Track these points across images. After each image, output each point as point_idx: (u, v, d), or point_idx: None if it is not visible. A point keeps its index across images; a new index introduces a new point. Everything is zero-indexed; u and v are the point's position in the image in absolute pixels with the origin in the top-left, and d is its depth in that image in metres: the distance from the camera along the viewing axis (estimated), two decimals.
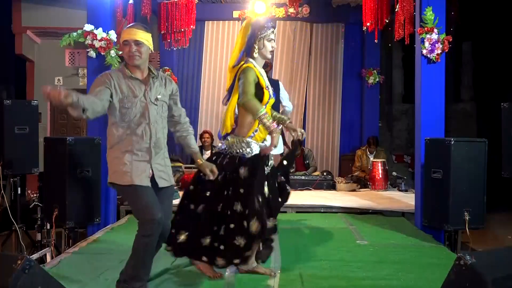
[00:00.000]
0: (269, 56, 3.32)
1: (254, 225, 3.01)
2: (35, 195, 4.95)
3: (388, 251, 4.16)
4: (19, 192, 4.98)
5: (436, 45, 4.81)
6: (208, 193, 3.18)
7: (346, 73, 8.69)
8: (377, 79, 8.36)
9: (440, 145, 4.62)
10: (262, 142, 3.27)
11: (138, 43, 2.86)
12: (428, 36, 4.82)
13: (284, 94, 5.88)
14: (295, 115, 8.51)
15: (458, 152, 4.48)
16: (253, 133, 3.22)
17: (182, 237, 3.16)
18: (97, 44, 5.04)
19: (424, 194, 4.83)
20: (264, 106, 3.18)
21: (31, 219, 4.90)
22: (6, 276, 2.11)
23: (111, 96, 2.85)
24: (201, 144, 7.68)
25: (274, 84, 5.44)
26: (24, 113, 4.89)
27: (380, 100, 8.96)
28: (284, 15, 8.07)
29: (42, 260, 4.28)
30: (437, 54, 4.85)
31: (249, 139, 3.20)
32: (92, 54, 5.10)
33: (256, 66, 3.24)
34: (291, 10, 7.94)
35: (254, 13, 7.78)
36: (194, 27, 6.75)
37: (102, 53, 5.09)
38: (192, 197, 3.23)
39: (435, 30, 4.80)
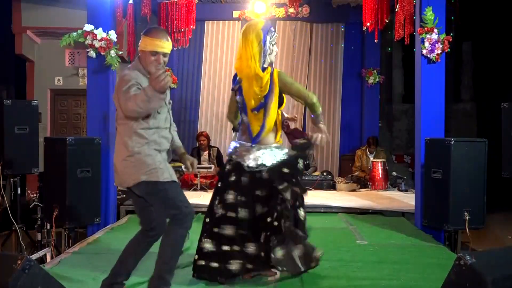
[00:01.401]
0: (274, 59, 3.35)
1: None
2: (35, 195, 4.95)
3: (388, 251, 4.16)
4: (19, 192, 4.98)
5: (436, 45, 4.81)
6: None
7: (346, 73, 8.69)
8: (377, 79, 8.36)
9: (440, 145, 4.62)
10: None
11: (166, 55, 2.88)
12: (428, 36, 4.82)
13: None
14: (295, 115, 8.49)
15: (458, 152, 4.48)
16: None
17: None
18: (97, 44, 5.04)
19: (424, 194, 4.83)
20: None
21: (31, 219, 4.90)
22: (6, 276, 2.11)
23: None
24: (197, 146, 7.66)
25: None
26: (24, 113, 4.89)
27: (380, 100, 8.96)
28: (284, 15, 8.07)
29: (42, 260, 4.27)
30: (437, 54, 4.85)
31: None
32: (92, 54, 5.10)
33: None
34: (291, 10, 7.94)
35: (254, 13, 7.79)
36: (194, 27, 6.75)
37: (102, 53, 5.08)
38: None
39: (435, 30, 4.80)
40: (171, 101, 3.05)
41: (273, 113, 3.20)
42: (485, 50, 9.64)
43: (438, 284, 2.51)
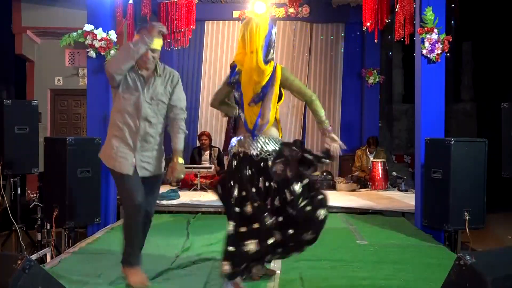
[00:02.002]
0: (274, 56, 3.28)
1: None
2: (35, 195, 4.95)
3: (388, 251, 4.16)
4: (19, 192, 4.98)
5: (436, 45, 4.81)
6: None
7: (346, 73, 8.69)
8: (377, 79, 8.36)
9: (440, 145, 4.62)
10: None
11: (154, 51, 3.09)
12: (428, 36, 4.82)
13: None
14: (295, 115, 8.51)
15: (458, 152, 4.48)
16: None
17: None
18: (97, 44, 5.04)
19: (424, 194, 4.83)
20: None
21: (31, 219, 4.90)
22: (6, 276, 2.11)
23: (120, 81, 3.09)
24: (199, 145, 7.67)
25: None
26: (24, 113, 4.89)
27: (380, 100, 8.96)
28: (284, 15, 8.07)
29: (42, 260, 4.27)
30: (437, 54, 4.85)
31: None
32: (92, 54, 5.10)
33: None
34: (291, 10, 7.94)
35: (254, 13, 7.78)
36: (194, 27, 6.74)
37: (102, 53, 5.09)
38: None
39: (435, 30, 4.80)
40: (162, 101, 3.17)
41: (272, 106, 3.12)
42: (485, 50, 9.63)
43: (438, 284, 2.51)
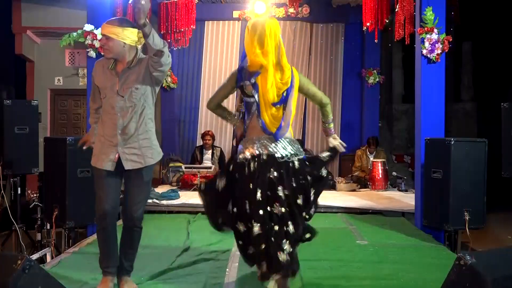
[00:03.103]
0: None
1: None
2: (35, 195, 4.95)
3: (388, 251, 4.16)
4: (19, 192, 4.98)
5: (436, 45, 4.81)
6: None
7: (346, 73, 8.69)
8: (377, 79, 8.36)
9: (440, 145, 4.62)
10: None
11: (106, 37, 2.97)
12: (428, 36, 4.82)
13: None
14: (295, 115, 8.50)
15: (458, 152, 4.48)
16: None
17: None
18: (97, 44, 5.04)
19: (424, 194, 4.83)
20: None
21: (31, 219, 4.90)
22: (6, 276, 2.11)
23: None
24: (201, 144, 7.69)
25: None
26: (24, 113, 4.89)
27: (380, 100, 8.95)
28: (284, 15, 8.07)
29: (42, 260, 4.28)
30: (437, 54, 4.85)
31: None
32: (92, 54, 5.10)
33: None
34: (291, 10, 7.94)
35: (254, 13, 7.78)
36: (194, 27, 6.75)
37: (102, 53, 5.08)
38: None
39: (435, 30, 4.80)
40: (138, 87, 3.01)
41: (293, 109, 3.15)
42: (485, 50, 9.63)
43: (438, 284, 2.51)
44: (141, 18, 2.64)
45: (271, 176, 2.96)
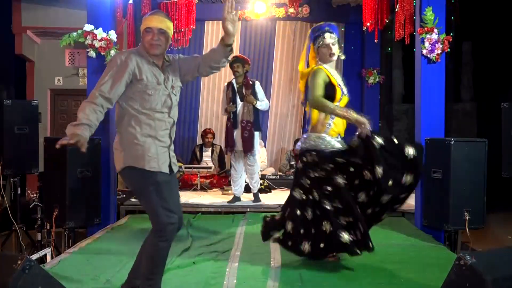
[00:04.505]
0: (331, 60, 3.68)
1: None
2: (35, 195, 4.95)
3: (388, 251, 4.16)
4: (19, 192, 4.99)
5: (436, 45, 4.81)
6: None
7: (346, 73, 8.66)
8: (377, 79, 8.35)
9: (440, 145, 4.62)
10: (337, 137, 3.72)
11: (162, 31, 2.77)
12: (428, 36, 4.82)
13: (260, 93, 5.86)
14: (295, 115, 8.52)
15: (458, 152, 4.48)
16: (326, 129, 3.62)
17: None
18: (97, 44, 5.04)
19: (424, 194, 4.83)
20: (337, 104, 3.63)
21: (31, 219, 4.90)
22: (6, 276, 2.11)
23: (131, 81, 2.74)
24: (201, 143, 7.70)
25: (250, 86, 5.73)
26: (24, 113, 4.89)
27: (380, 100, 8.95)
28: (284, 15, 8.07)
29: (42, 260, 4.27)
30: (437, 54, 4.85)
31: (324, 135, 3.59)
32: (92, 54, 5.10)
33: (326, 68, 3.60)
34: (291, 10, 7.94)
35: (254, 13, 7.79)
36: (194, 27, 6.75)
37: (102, 53, 5.08)
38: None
39: (435, 30, 4.80)
40: (179, 86, 2.91)
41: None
42: (485, 50, 9.64)
43: (438, 284, 2.51)
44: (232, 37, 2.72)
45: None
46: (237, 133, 5.77)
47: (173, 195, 2.83)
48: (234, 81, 5.83)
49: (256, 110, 5.76)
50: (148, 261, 2.74)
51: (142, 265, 2.78)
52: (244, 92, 5.73)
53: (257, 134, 5.80)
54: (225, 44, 2.74)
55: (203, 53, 8.70)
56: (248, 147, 5.72)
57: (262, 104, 5.79)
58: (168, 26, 2.82)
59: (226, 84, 6.05)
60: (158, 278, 2.79)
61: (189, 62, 2.94)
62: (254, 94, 5.75)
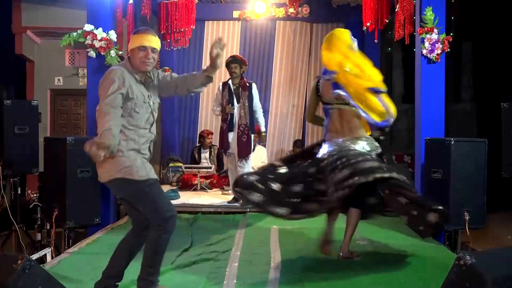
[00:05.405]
0: None
1: None
2: (35, 195, 4.95)
3: (388, 251, 4.16)
4: (19, 192, 4.99)
5: (436, 45, 4.82)
6: None
7: None
8: None
9: (440, 145, 4.62)
10: None
11: (155, 50, 2.89)
12: (428, 36, 4.82)
13: (255, 97, 5.85)
14: (295, 115, 8.51)
15: (458, 152, 4.48)
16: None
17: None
18: (97, 44, 5.04)
19: (424, 194, 4.83)
20: None
21: (31, 219, 4.90)
22: (6, 276, 2.11)
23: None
24: (199, 144, 7.68)
25: (247, 88, 5.69)
26: (24, 113, 4.89)
27: None
28: (284, 15, 8.07)
29: (42, 260, 4.27)
30: (437, 54, 4.85)
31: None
32: (92, 54, 5.10)
33: None
34: (291, 10, 7.94)
35: (254, 13, 7.79)
36: (194, 27, 6.74)
37: (102, 53, 5.09)
38: None
39: (435, 30, 4.80)
40: (158, 101, 3.05)
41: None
42: (485, 50, 9.63)
43: (438, 284, 2.51)
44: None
45: None
46: (233, 136, 5.77)
47: (164, 194, 3.03)
48: (230, 82, 5.82)
49: (252, 113, 5.76)
50: (151, 252, 2.91)
51: (144, 256, 2.94)
52: (240, 93, 5.73)
53: (252, 137, 5.84)
54: (207, 75, 2.94)
55: (203, 54, 8.65)
56: (244, 153, 5.70)
57: (261, 119, 5.89)
58: (159, 44, 2.95)
59: (222, 83, 6.03)
60: (158, 266, 2.98)
61: (167, 81, 3.05)
62: (251, 96, 5.73)
